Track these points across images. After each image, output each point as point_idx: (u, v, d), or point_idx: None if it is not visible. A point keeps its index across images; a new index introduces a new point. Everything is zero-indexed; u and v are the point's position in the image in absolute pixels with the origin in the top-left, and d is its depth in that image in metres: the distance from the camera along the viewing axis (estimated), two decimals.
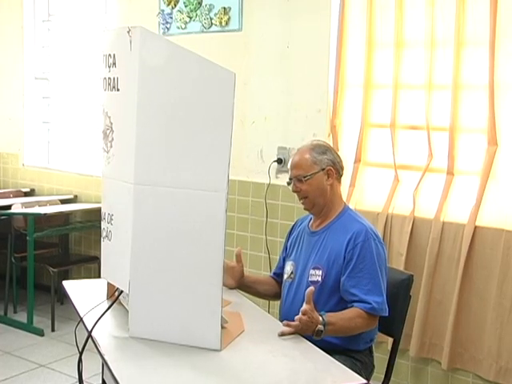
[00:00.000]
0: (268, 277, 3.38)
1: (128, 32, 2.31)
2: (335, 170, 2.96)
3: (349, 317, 2.72)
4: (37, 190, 6.07)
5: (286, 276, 3.07)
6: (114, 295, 2.58)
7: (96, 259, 5.51)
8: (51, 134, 6.25)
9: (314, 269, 2.89)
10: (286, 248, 3.23)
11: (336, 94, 4.36)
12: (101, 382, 3.14)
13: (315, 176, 2.90)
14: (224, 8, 4.84)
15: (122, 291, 2.50)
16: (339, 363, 2.30)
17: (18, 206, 5.36)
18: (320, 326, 2.54)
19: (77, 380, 4.09)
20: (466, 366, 4.01)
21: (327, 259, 2.88)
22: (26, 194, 5.99)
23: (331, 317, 2.64)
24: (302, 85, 4.54)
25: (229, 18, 4.83)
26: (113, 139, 2.50)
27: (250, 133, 4.70)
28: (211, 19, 4.91)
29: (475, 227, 3.88)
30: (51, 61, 6.16)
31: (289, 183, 3.01)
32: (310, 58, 4.49)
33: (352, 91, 4.34)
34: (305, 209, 3.03)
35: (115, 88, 2.44)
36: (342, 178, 3.32)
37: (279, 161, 4.64)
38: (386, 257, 2.90)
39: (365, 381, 2.18)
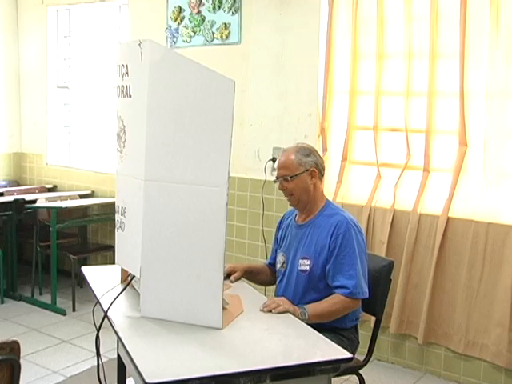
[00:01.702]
0: (264, 265, 3.32)
1: (139, 45, 2.31)
2: (318, 170, 2.94)
3: (332, 302, 2.77)
4: (59, 186, 6.06)
5: (278, 265, 3.07)
6: (127, 279, 2.58)
7: (111, 247, 5.49)
8: (71, 137, 6.23)
9: (302, 259, 2.91)
10: (277, 240, 3.21)
11: (325, 99, 4.35)
12: (116, 355, 3.13)
13: (300, 176, 2.89)
14: (224, 24, 4.82)
15: (134, 276, 2.49)
16: (328, 340, 2.29)
17: (42, 200, 5.35)
18: (302, 310, 2.66)
19: (95, 354, 4.08)
20: (438, 340, 4.03)
21: (314, 250, 2.89)
22: (49, 190, 5.98)
23: (313, 305, 2.75)
24: (294, 91, 4.52)
25: (229, 33, 4.82)
26: (125, 140, 2.49)
27: (247, 134, 4.69)
28: (213, 33, 4.89)
29: (448, 218, 3.88)
30: (71, 71, 6.15)
31: (275, 181, 3.02)
32: (302, 67, 4.47)
33: (339, 97, 4.33)
34: (290, 205, 3.03)
35: (128, 95, 2.44)
36: (331, 175, 3.30)
37: (274, 159, 4.62)
38: (365, 244, 2.91)
39: (350, 355, 2.16)
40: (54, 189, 6.05)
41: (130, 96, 2.42)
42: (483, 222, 3.80)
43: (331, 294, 2.79)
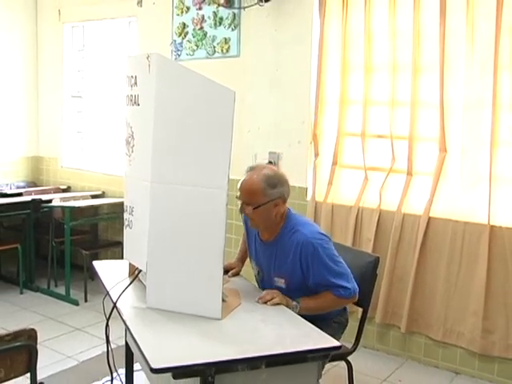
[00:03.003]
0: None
1: (147, 58, 2.30)
2: (282, 200, 2.67)
3: (324, 300, 2.64)
4: (72, 187, 6.04)
5: (255, 272, 2.94)
6: (134, 273, 2.57)
7: (120, 244, 5.40)
8: (84, 142, 6.22)
9: (277, 277, 2.73)
10: (247, 232, 2.98)
11: (317, 108, 4.33)
12: (124, 342, 3.11)
13: (263, 206, 2.60)
14: (225, 38, 4.81)
15: (140, 270, 2.48)
16: (318, 329, 2.27)
17: (57, 200, 5.34)
18: (296, 303, 2.58)
19: (105, 341, 4.07)
20: (420, 329, 4.03)
21: (286, 271, 2.68)
22: (64, 191, 5.96)
23: (307, 300, 2.63)
24: (288, 101, 4.51)
25: (229, 47, 4.81)
26: (134, 145, 2.49)
27: (246, 140, 4.68)
28: (214, 47, 4.88)
29: (429, 218, 3.88)
30: (84, 82, 6.14)
31: (238, 198, 2.69)
32: (295, 79, 4.46)
33: (330, 106, 4.32)
34: (250, 226, 2.82)
35: (136, 103, 2.43)
36: (322, 178, 3.22)
37: (270, 163, 4.60)
38: (333, 247, 2.69)
39: (339, 344, 2.15)
40: (67, 189, 6.03)
41: (139, 104, 2.41)
42: (461, 221, 3.80)
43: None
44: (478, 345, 3.76)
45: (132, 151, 2.50)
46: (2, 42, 5.93)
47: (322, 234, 2.72)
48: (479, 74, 3.69)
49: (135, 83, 2.43)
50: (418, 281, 3.94)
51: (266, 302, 2.53)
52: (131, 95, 2.47)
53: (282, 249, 2.71)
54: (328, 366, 2.58)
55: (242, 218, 2.96)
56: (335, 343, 2.13)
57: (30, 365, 2.12)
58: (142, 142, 2.42)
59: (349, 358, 2.93)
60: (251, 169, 2.73)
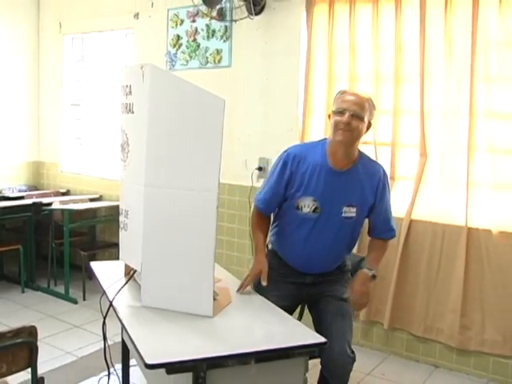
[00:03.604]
0: (265, 230, 2.85)
1: (141, 68, 2.29)
2: (370, 127, 2.69)
3: (383, 250, 2.88)
4: (71, 191, 6.01)
5: (307, 210, 2.66)
6: (130, 273, 2.56)
7: (116, 245, 5.34)
8: (82, 148, 6.19)
9: (348, 206, 2.65)
10: (287, 182, 2.70)
11: (304, 116, 4.32)
12: (121, 339, 3.09)
13: (363, 122, 2.59)
14: (217, 49, 4.80)
15: (135, 270, 2.47)
16: (305, 327, 2.27)
17: (57, 203, 5.30)
18: (373, 273, 2.72)
19: (102, 338, 4.05)
20: (402, 325, 4.03)
21: (360, 198, 2.67)
22: (63, 194, 5.92)
23: (375, 260, 2.82)
24: (277, 109, 4.51)
25: (221, 58, 4.80)
26: (128, 151, 2.48)
27: (236, 146, 4.67)
28: (207, 58, 4.87)
29: (411, 220, 3.89)
30: (83, 91, 6.11)
31: (340, 112, 2.58)
32: (284, 88, 4.46)
33: (317, 115, 4.31)
34: (340, 140, 2.60)
35: (131, 111, 2.42)
36: None
37: (260, 168, 4.60)
38: None
39: (324, 340, 2.13)
40: (67, 193, 5.99)
41: (133, 112, 2.40)
42: (440, 223, 3.81)
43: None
44: (455, 340, 3.77)
45: (127, 157, 2.49)
46: (6, 52, 5.90)
47: None
48: (456, 84, 3.71)
49: (130, 92, 2.42)
50: (400, 280, 3.94)
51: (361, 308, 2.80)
52: (126, 103, 2.46)
53: (357, 177, 2.68)
54: (314, 361, 2.57)
55: (282, 166, 2.71)
56: (321, 339, 2.13)
57: (30, 360, 2.12)
58: (136, 148, 2.41)
59: None
60: (356, 92, 2.73)
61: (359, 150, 2.74)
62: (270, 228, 2.89)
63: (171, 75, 2.36)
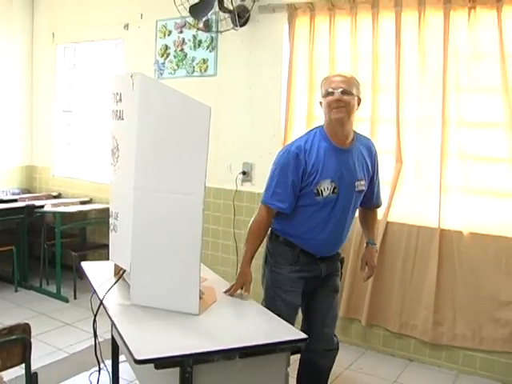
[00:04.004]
0: (267, 228, 2.75)
1: (131, 76, 2.29)
2: (360, 103, 2.70)
3: (376, 216, 3.05)
4: (63, 194, 5.97)
5: (327, 192, 2.61)
6: (119, 273, 2.54)
7: (106, 246, 5.32)
8: (73, 153, 6.14)
9: (358, 180, 2.70)
10: (303, 173, 2.62)
11: (286, 123, 4.33)
12: (110, 336, 3.07)
13: (353, 96, 2.60)
14: (203, 59, 4.81)
15: (125, 270, 2.46)
16: (287, 323, 2.27)
17: (48, 206, 5.28)
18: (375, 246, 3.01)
19: (93, 335, 4.03)
20: (378, 322, 4.06)
21: (364, 170, 2.74)
22: (55, 197, 5.89)
23: (372, 231, 3.01)
24: (261, 116, 4.52)
25: (207, 67, 4.80)
26: (118, 156, 2.47)
27: (221, 151, 4.66)
28: (194, 67, 4.87)
29: (387, 222, 3.91)
30: (74, 98, 6.07)
31: (329, 93, 2.59)
32: (267, 96, 4.47)
33: (298, 121, 4.32)
34: (337, 118, 2.59)
35: (121, 118, 2.41)
36: None
37: (244, 173, 4.61)
38: None
39: (306, 336, 2.14)
40: (58, 196, 5.95)
41: (123, 119, 2.39)
42: (415, 225, 3.84)
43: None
44: (429, 335, 3.81)
45: (117, 161, 2.48)
46: (1, 60, 5.86)
47: None
48: (430, 94, 3.74)
49: (120, 100, 2.41)
50: (377, 279, 3.96)
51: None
52: (116, 110, 2.45)
53: (359, 151, 2.74)
54: (295, 356, 2.58)
55: (296, 163, 2.62)
56: (302, 335, 2.13)
57: (24, 356, 2.12)
58: (126, 153, 2.40)
59: None
60: (341, 73, 2.78)
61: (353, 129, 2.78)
62: (279, 222, 2.74)
63: (160, 84, 2.36)
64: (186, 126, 2.27)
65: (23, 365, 2.17)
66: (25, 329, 2.08)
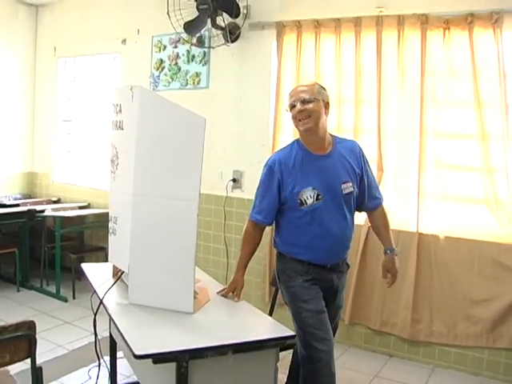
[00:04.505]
0: (252, 247, 2.69)
1: (131, 89, 2.30)
2: (328, 106, 2.59)
3: (386, 220, 2.81)
4: (62, 199, 5.94)
5: (310, 200, 2.51)
6: (118, 274, 2.54)
7: (103, 249, 5.41)
8: (72, 160, 6.12)
9: (344, 183, 2.54)
10: (278, 186, 2.57)
11: (274, 133, 4.34)
12: (108, 334, 3.06)
13: (318, 102, 2.49)
14: (196, 72, 4.82)
15: (123, 271, 2.46)
16: (276, 322, 2.28)
17: (49, 210, 5.26)
18: (396, 251, 2.81)
19: (91, 333, 3.99)
20: (361, 320, 4.08)
21: (351, 173, 2.58)
22: (55, 202, 5.85)
23: (387, 237, 2.80)
24: (250, 127, 4.54)
25: (199, 80, 4.81)
26: (118, 164, 2.47)
27: (213, 160, 4.67)
28: (187, 80, 4.88)
29: (368, 227, 3.92)
30: (74, 108, 6.06)
31: (293, 106, 2.52)
32: (257, 108, 4.49)
33: (286, 132, 4.33)
34: (305, 129, 2.51)
35: (120, 128, 2.42)
36: None
37: (234, 180, 4.62)
38: None
39: (294, 333, 2.16)
40: (58, 201, 5.92)
41: (123, 129, 2.40)
42: (395, 229, 3.79)
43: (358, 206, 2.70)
44: (407, 332, 3.84)
45: (116, 169, 2.49)
46: (5, 72, 5.84)
47: None
48: (409, 107, 3.78)
49: (120, 111, 2.42)
50: (360, 280, 3.98)
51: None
52: (116, 121, 2.46)
53: (341, 155, 2.59)
54: (284, 353, 2.59)
55: (270, 175, 2.59)
56: (290, 332, 2.15)
57: (30, 351, 2.12)
58: (125, 161, 2.41)
59: None
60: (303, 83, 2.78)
61: (331, 134, 2.66)
62: (278, 241, 2.69)
63: (158, 96, 2.36)
64: (182, 136, 2.28)
65: (27, 360, 2.17)
66: (30, 326, 2.09)
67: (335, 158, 2.57)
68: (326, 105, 2.56)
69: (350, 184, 2.58)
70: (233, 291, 2.58)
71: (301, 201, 2.53)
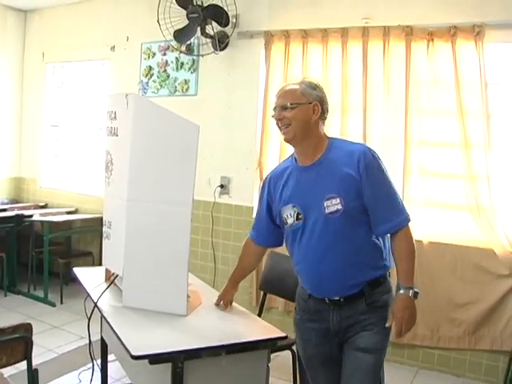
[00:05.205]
0: (245, 261, 2.50)
1: (125, 96, 2.33)
2: (321, 107, 2.11)
3: (403, 249, 2.06)
4: (49, 204, 5.93)
5: (291, 220, 2.14)
6: (111, 278, 2.57)
7: (90, 254, 5.44)
8: (60, 165, 6.13)
9: (328, 199, 2.03)
10: (267, 205, 2.30)
11: (262, 140, 4.40)
12: (100, 337, 3.06)
13: (301, 107, 2.07)
14: (185, 80, 4.87)
15: (117, 275, 2.49)
16: (267, 323, 2.33)
17: (37, 215, 5.25)
18: (413, 292, 2.05)
19: (80, 337, 4.03)
20: None
21: (341, 185, 2.02)
22: (42, 207, 5.85)
23: (400, 269, 2.05)
24: (238, 134, 4.59)
25: (188, 87, 4.86)
26: (112, 169, 2.50)
27: (201, 166, 4.55)
28: (176, 87, 4.93)
29: None
30: (62, 114, 6.07)
31: (273, 116, 2.16)
32: (244, 115, 4.54)
33: (273, 139, 4.38)
34: (285, 139, 2.15)
35: (115, 134, 2.45)
36: None
37: (221, 186, 4.67)
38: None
39: (284, 334, 2.18)
40: (45, 206, 5.91)
41: (117, 135, 2.43)
42: None
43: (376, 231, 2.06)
44: (392, 335, 3.88)
45: (111, 174, 2.51)
46: None
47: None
48: (393, 116, 3.86)
49: (115, 117, 2.45)
50: None
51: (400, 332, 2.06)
52: (111, 127, 2.48)
53: (331, 164, 2.08)
54: (275, 354, 2.64)
55: (261, 192, 2.36)
56: (281, 334, 2.19)
57: (26, 353, 2.14)
58: (119, 167, 2.43)
59: (293, 347, 2.92)
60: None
61: (331, 138, 2.19)
62: (293, 264, 2.27)
63: (152, 103, 2.39)
64: (176, 143, 2.32)
65: (17, 364, 2.18)
66: (27, 328, 2.11)
67: (322, 167, 2.10)
68: (315, 108, 2.10)
69: (337, 200, 2.03)
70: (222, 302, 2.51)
71: (284, 220, 2.19)
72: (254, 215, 2.50)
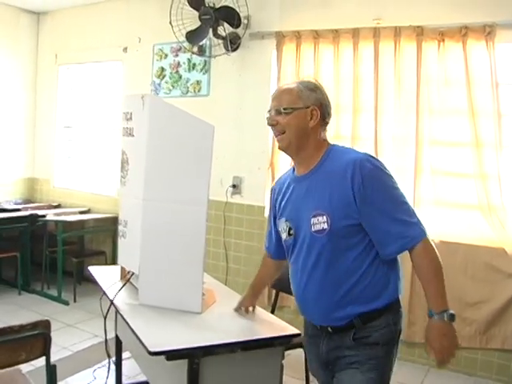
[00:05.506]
0: (264, 272, 2.36)
1: (142, 97, 2.36)
2: (320, 112, 1.88)
3: (425, 269, 1.82)
4: (63, 204, 6.00)
5: (284, 235, 1.98)
6: (126, 276, 2.58)
7: (103, 253, 5.49)
8: (73, 166, 6.18)
9: (314, 217, 1.82)
10: (274, 212, 2.12)
11: (274, 140, 4.38)
12: (114, 335, 3.10)
13: (296, 112, 1.86)
14: (197, 80, 4.90)
15: (133, 273, 2.50)
16: (282, 321, 2.33)
17: (50, 215, 5.31)
18: (449, 315, 1.79)
19: (94, 335, 4.07)
20: None
21: (329, 202, 1.79)
22: (56, 207, 5.91)
23: (427, 293, 1.82)
24: (250, 134, 4.62)
25: (200, 88, 4.89)
26: (128, 169, 2.52)
27: (214, 166, 4.55)
28: (188, 88, 4.96)
29: None
30: (75, 115, 6.12)
31: (268, 119, 1.97)
32: (256, 115, 4.54)
33: None
34: (279, 148, 1.97)
35: (131, 134, 2.47)
36: None
37: (234, 186, 4.70)
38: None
39: (298, 331, 2.18)
40: (58, 206, 5.97)
41: (133, 136, 2.45)
42: None
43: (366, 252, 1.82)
44: (404, 334, 3.88)
45: (127, 174, 2.54)
46: (7, 79, 5.91)
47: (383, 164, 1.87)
48: (405, 115, 3.87)
49: (130, 118, 2.47)
50: None
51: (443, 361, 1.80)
52: (127, 128, 2.51)
53: (325, 174, 1.85)
54: (288, 352, 2.65)
55: (270, 200, 2.18)
56: (296, 331, 2.20)
57: (45, 349, 2.16)
58: (135, 167, 2.46)
59: None
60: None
61: (331, 145, 1.96)
62: None
63: (168, 104, 2.42)
64: (191, 143, 2.35)
65: (32, 362, 2.22)
66: (46, 325, 2.15)
67: (314, 178, 1.89)
68: (313, 113, 1.89)
69: (324, 219, 1.80)
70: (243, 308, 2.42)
71: (280, 233, 2.05)
72: (266, 215, 2.49)
